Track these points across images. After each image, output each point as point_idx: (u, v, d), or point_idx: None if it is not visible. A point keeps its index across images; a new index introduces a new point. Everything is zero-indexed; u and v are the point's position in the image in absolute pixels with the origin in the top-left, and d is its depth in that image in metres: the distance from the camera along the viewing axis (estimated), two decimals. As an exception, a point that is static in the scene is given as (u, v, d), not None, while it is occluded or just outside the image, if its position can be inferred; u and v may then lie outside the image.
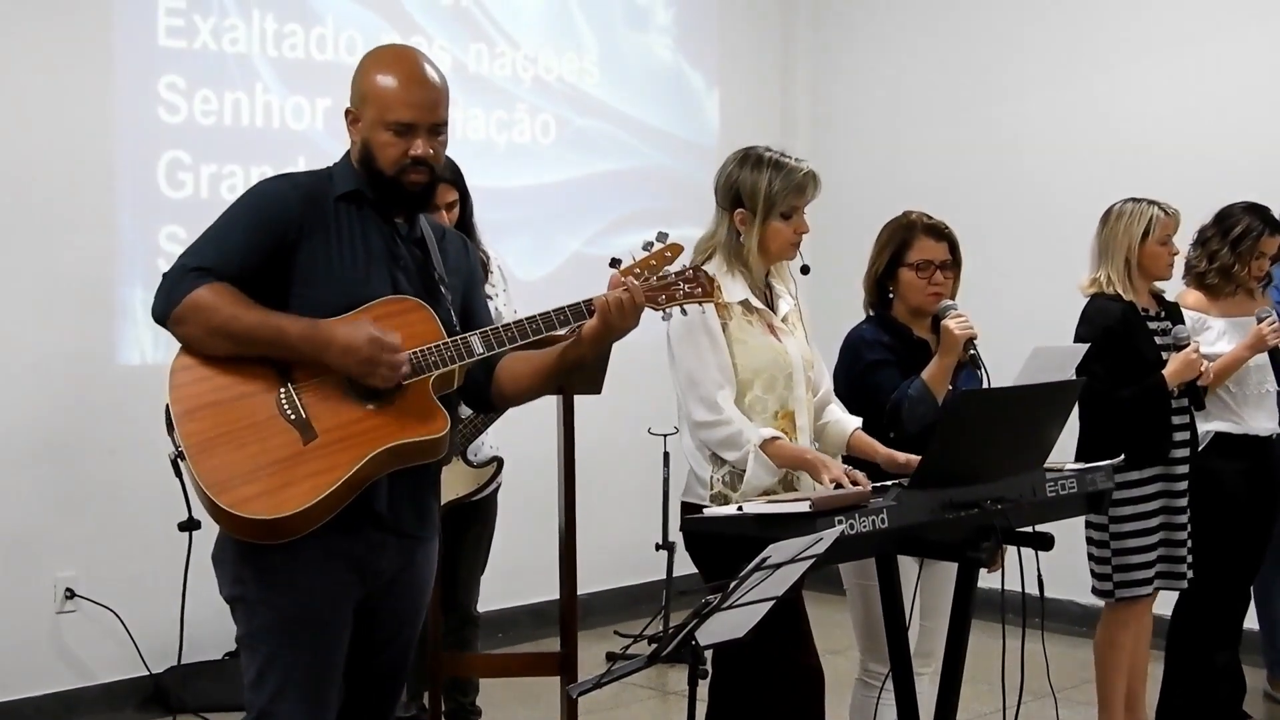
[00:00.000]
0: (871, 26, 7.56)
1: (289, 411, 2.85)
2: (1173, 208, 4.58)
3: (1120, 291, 4.52)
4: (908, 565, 3.62)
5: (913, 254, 3.97)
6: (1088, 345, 4.37)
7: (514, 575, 5.96)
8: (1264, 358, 4.84)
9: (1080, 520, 4.46)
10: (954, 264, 4.00)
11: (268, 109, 5.80)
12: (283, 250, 2.91)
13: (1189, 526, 4.61)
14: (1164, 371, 4.49)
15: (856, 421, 3.78)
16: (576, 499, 4.04)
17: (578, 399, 4.06)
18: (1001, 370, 3.93)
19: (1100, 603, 4.70)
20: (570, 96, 6.82)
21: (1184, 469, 4.60)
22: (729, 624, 2.80)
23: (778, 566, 2.74)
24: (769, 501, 3.31)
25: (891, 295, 4.03)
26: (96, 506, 5.36)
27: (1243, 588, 4.94)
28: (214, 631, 4.90)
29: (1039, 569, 3.48)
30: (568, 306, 2.97)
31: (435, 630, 4.09)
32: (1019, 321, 5.87)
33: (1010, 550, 3.66)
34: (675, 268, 3.04)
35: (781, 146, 3.71)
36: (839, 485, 3.36)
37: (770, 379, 3.58)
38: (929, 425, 3.74)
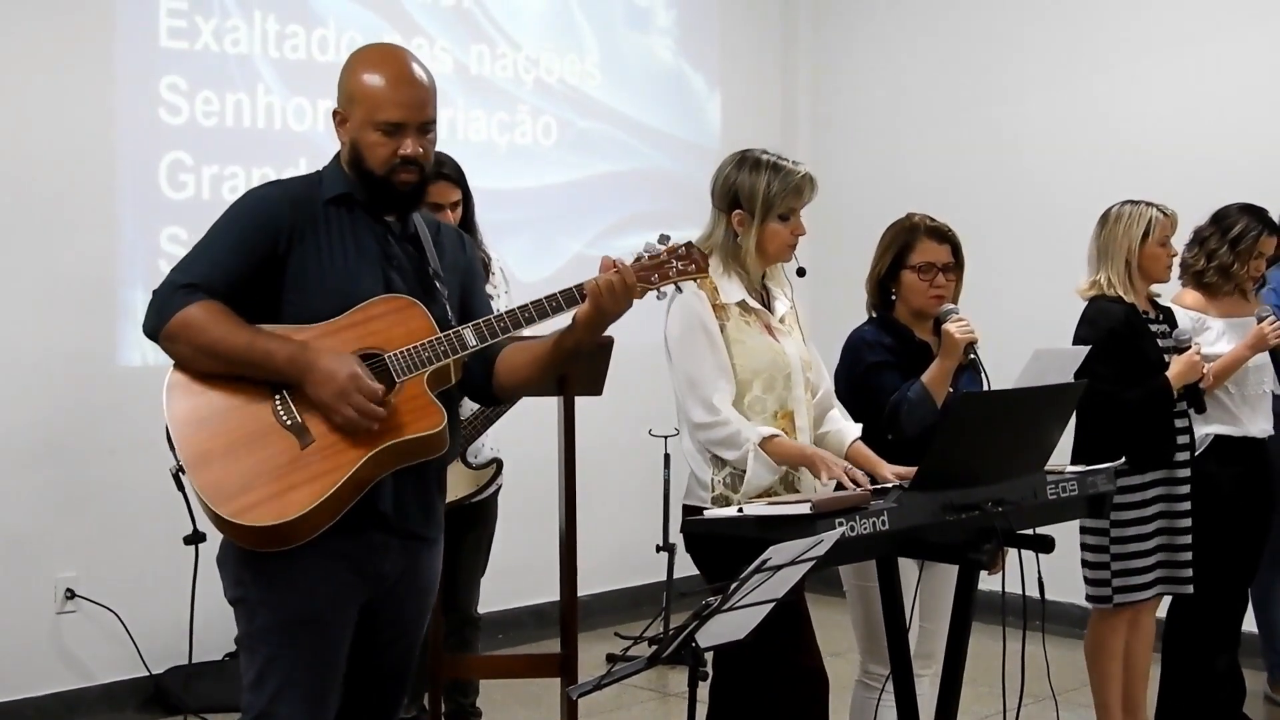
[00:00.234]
0: (872, 28, 7.56)
1: (285, 417, 2.85)
2: (1171, 209, 4.58)
3: (1121, 293, 4.52)
4: (908, 567, 3.62)
5: (915, 256, 3.97)
6: (1089, 347, 4.37)
7: (514, 576, 5.96)
8: (1263, 358, 4.84)
9: (1081, 522, 4.47)
10: (956, 267, 4.00)
11: (269, 110, 5.80)
12: (273, 259, 2.91)
13: (1190, 530, 4.61)
14: (1167, 374, 4.49)
15: (856, 430, 3.78)
16: (577, 500, 4.04)
17: (579, 400, 4.06)
18: (1001, 371, 3.93)
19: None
20: (572, 98, 6.82)
21: (1184, 472, 4.60)
22: (730, 626, 2.80)
23: (778, 568, 2.74)
24: (770, 503, 3.31)
25: (894, 297, 4.03)
26: (97, 507, 5.36)
27: (1241, 590, 4.94)
28: (214, 632, 4.92)
29: (1039, 571, 3.48)
30: (559, 293, 2.95)
31: (436, 631, 4.09)
32: (1019, 322, 5.87)
33: (1011, 552, 3.66)
34: (657, 238, 3.02)
35: (783, 148, 3.73)
36: (839, 484, 3.37)
37: (769, 379, 3.59)
38: (927, 428, 3.75)
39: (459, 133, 6.37)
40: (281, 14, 5.82)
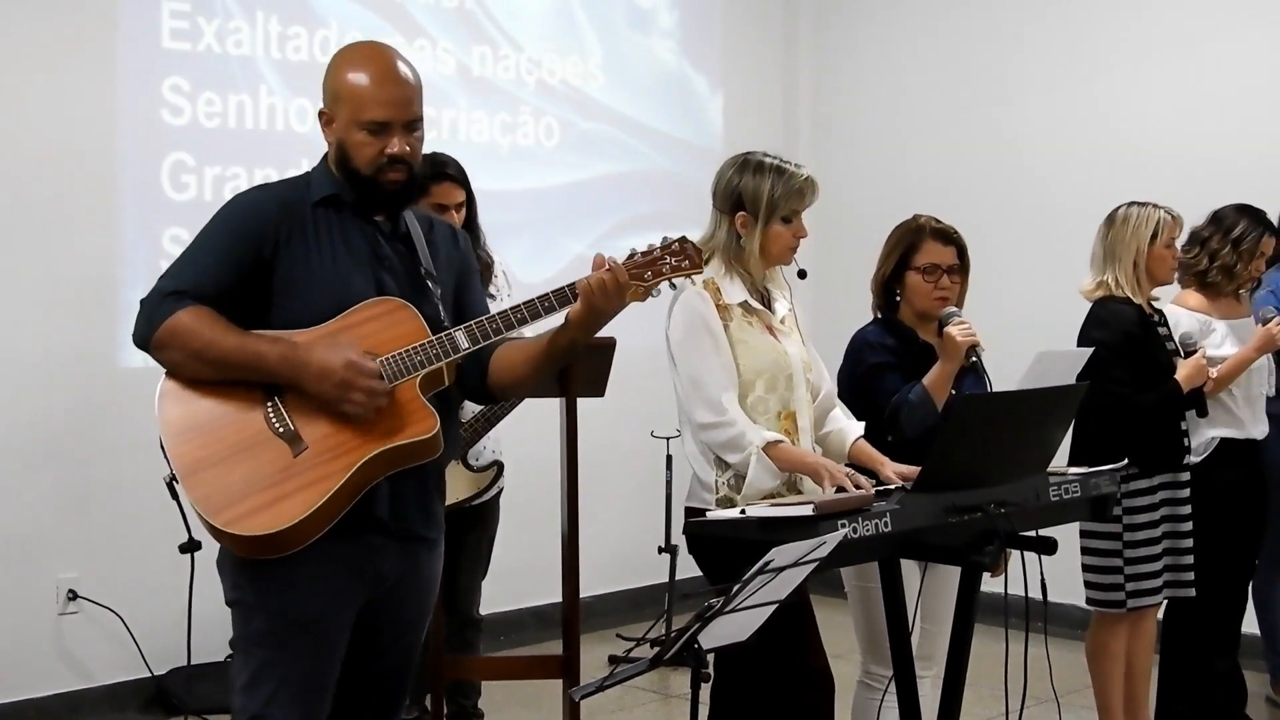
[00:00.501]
0: (873, 29, 7.57)
1: (277, 424, 2.83)
2: (1177, 211, 4.59)
3: (1130, 294, 4.52)
4: (910, 569, 3.61)
5: (920, 258, 3.97)
6: (1092, 349, 4.37)
7: (516, 578, 5.96)
8: (1263, 360, 4.85)
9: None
10: (961, 269, 4.00)
11: (271, 111, 5.80)
12: (261, 264, 2.89)
13: (1191, 533, 4.61)
14: (1177, 377, 4.49)
15: (858, 429, 3.78)
16: (579, 502, 4.03)
17: (581, 401, 4.06)
18: (1001, 372, 3.93)
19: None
20: (574, 99, 6.82)
21: (1185, 475, 4.61)
22: (732, 627, 2.80)
23: (781, 570, 2.73)
24: (772, 505, 3.31)
25: (898, 298, 4.03)
26: (98, 508, 5.36)
27: (1240, 591, 4.95)
28: (216, 633, 4.91)
29: (1042, 573, 3.47)
30: (552, 292, 2.93)
31: (438, 633, 4.09)
32: (1019, 323, 5.89)
33: (1013, 554, 3.65)
34: (659, 240, 2.98)
35: (784, 149, 3.75)
36: (841, 489, 3.37)
37: (772, 379, 3.59)
38: (927, 430, 3.75)
39: (461, 134, 6.37)
40: (284, 15, 5.83)
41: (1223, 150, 6.21)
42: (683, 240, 2.98)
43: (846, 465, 3.68)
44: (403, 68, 2.97)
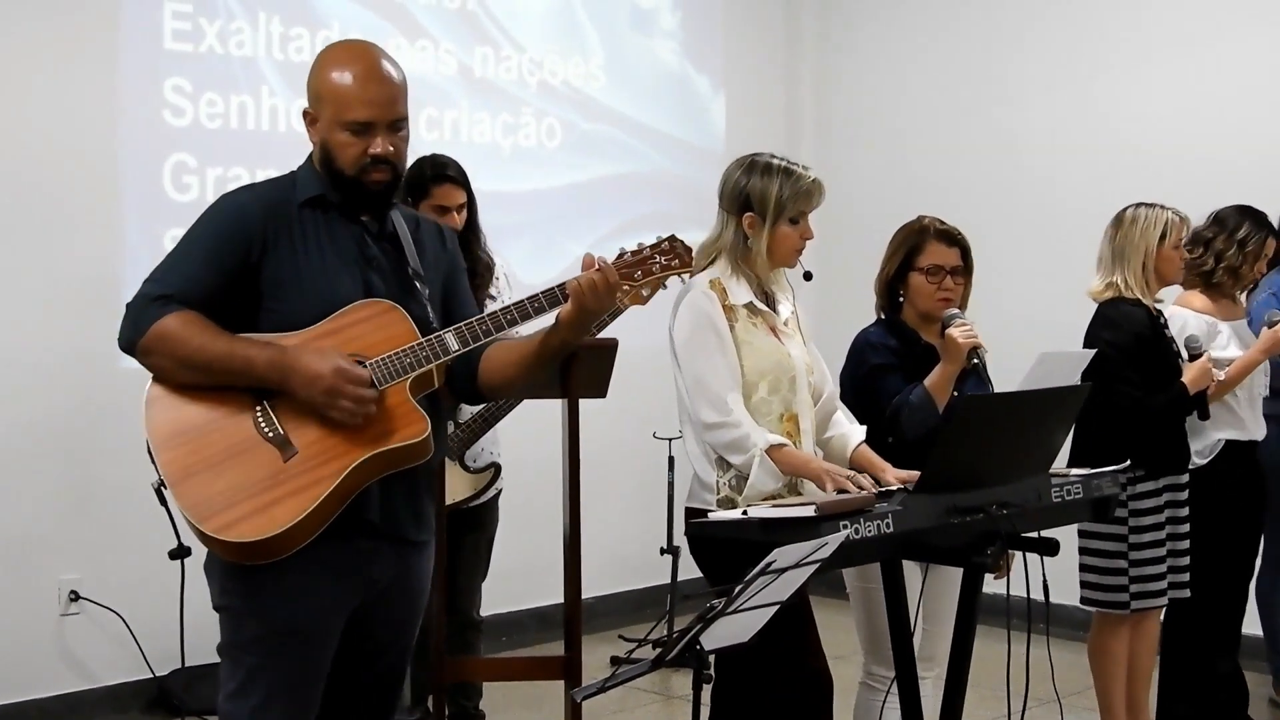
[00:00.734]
0: (875, 30, 7.57)
1: (266, 429, 2.80)
2: (1184, 212, 4.59)
3: (1139, 295, 4.52)
4: (911, 569, 3.61)
5: (924, 259, 3.97)
6: (1095, 351, 4.37)
7: (518, 579, 5.97)
8: (1265, 362, 4.86)
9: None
10: (965, 270, 4.00)
11: (273, 112, 5.80)
12: (248, 266, 2.86)
13: (1189, 535, 4.62)
14: (1183, 379, 4.49)
15: (860, 434, 3.78)
16: (581, 502, 4.03)
17: (583, 402, 4.06)
18: (1004, 373, 3.93)
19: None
20: (576, 100, 6.82)
21: (1186, 478, 4.61)
22: (734, 628, 2.80)
23: (782, 571, 2.73)
24: (774, 505, 3.30)
25: (901, 299, 4.03)
26: (100, 509, 5.36)
27: (1241, 592, 4.96)
28: (216, 634, 4.91)
29: (1044, 574, 3.47)
30: (542, 293, 2.91)
31: (440, 635, 4.08)
32: (1021, 324, 5.89)
33: (1015, 555, 3.65)
34: (650, 240, 2.96)
35: (786, 150, 3.76)
36: (843, 491, 3.36)
37: (775, 381, 3.59)
38: (928, 432, 3.74)
39: (463, 135, 6.37)
40: (286, 16, 5.83)
41: (1223, 151, 6.21)
42: (672, 239, 2.97)
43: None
44: (387, 67, 2.95)
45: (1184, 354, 4.58)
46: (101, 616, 5.36)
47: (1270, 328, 4.74)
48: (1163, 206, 4.55)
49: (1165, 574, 4.54)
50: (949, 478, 3.33)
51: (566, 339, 2.94)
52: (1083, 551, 4.54)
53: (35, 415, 5.26)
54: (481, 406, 4.53)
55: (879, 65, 7.54)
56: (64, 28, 5.30)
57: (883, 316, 4.09)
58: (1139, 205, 4.57)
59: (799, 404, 3.64)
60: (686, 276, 3.07)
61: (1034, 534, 3.46)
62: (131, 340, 2.84)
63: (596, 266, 2.89)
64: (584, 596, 4.13)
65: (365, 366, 2.84)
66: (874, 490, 3.39)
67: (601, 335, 4.33)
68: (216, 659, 5.30)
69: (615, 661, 5.71)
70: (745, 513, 3.21)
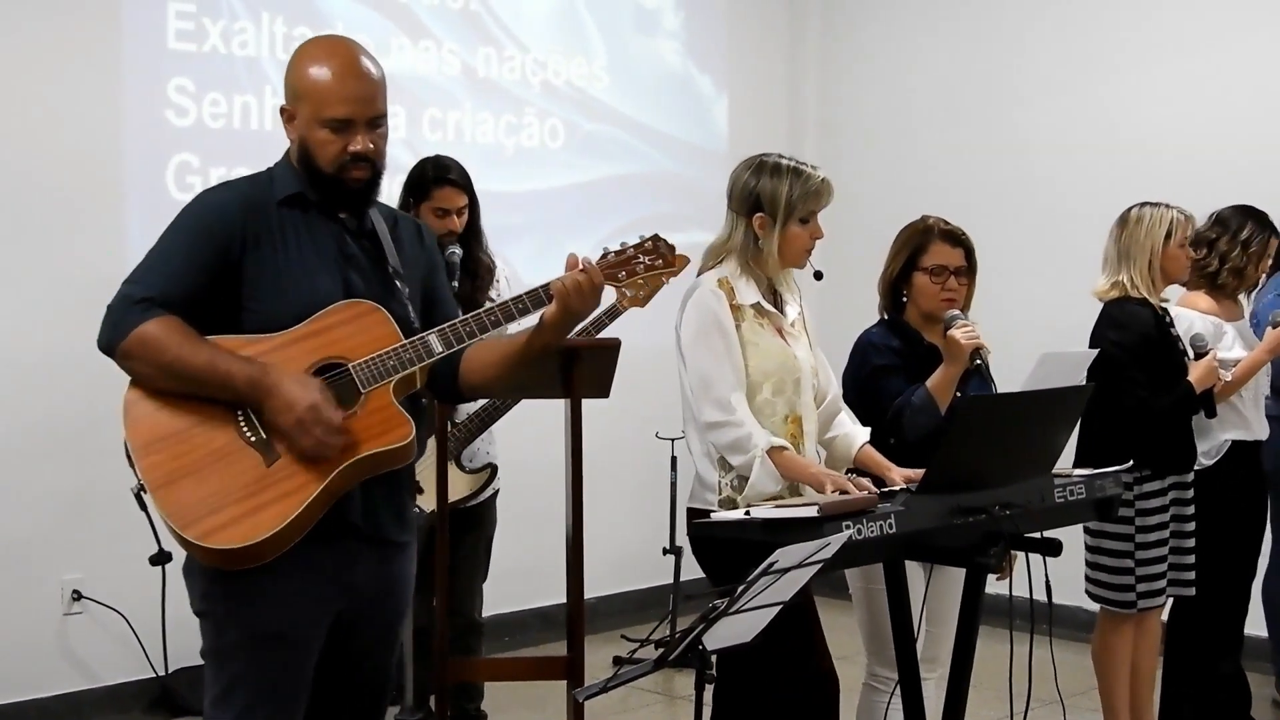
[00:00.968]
0: (879, 31, 7.56)
1: (249, 434, 2.76)
2: (1189, 211, 4.59)
3: (1145, 294, 4.52)
4: (914, 571, 3.61)
5: (928, 259, 3.97)
6: (1097, 351, 4.37)
7: (521, 579, 5.97)
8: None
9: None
10: (969, 271, 4.00)
11: (276, 112, 5.77)
12: (228, 266, 2.82)
13: (1193, 533, 4.61)
14: (1189, 379, 4.49)
15: (864, 435, 3.77)
16: (584, 503, 4.03)
17: (585, 402, 4.06)
18: (1005, 373, 3.92)
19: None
20: (579, 101, 6.82)
21: (1190, 477, 4.61)
22: (736, 629, 2.80)
23: (785, 571, 2.73)
24: (776, 506, 3.30)
25: (904, 299, 4.03)
26: (103, 509, 5.35)
27: (1244, 592, 4.96)
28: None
29: (1046, 575, 3.46)
30: (525, 294, 2.90)
31: (443, 636, 4.08)
32: (1025, 324, 5.88)
33: (1018, 556, 3.65)
34: (633, 240, 2.94)
35: (790, 151, 3.76)
36: (845, 492, 3.36)
37: (780, 383, 3.59)
38: (929, 434, 3.74)
39: (466, 135, 6.37)
40: (289, 16, 5.83)
41: (1229, 152, 6.20)
42: (655, 238, 2.95)
43: (850, 470, 3.68)
44: (365, 63, 2.91)
45: (1190, 353, 4.58)
46: (104, 616, 5.36)
47: (1275, 328, 4.74)
48: (1168, 205, 4.55)
49: (1166, 573, 4.54)
50: (952, 478, 3.33)
51: (550, 340, 2.93)
52: (1091, 550, 4.55)
53: (39, 415, 5.26)
54: (479, 407, 4.53)
55: (882, 66, 7.54)
56: (67, 28, 5.30)
57: (885, 317, 4.09)
58: (1144, 204, 4.57)
59: (803, 406, 3.63)
60: (670, 277, 3.03)
61: (1037, 535, 3.46)
62: (111, 342, 2.81)
63: (581, 267, 2.88)
64: (586, 597, 4.13)
65: (348, 370, 2.81)
66: (875, 492, 3.39)
67: (603, 335, 4.34)
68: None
69: (618, 662, 5.71)
70: (748, 513, 3.20)
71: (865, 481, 3.45)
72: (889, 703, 3.79)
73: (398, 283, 2.95)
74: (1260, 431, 4.89)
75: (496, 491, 4.73)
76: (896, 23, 7.50)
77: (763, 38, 7.65)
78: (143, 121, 5.47)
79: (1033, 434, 3.49)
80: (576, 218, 6.75)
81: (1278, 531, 5.16)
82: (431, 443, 4.36)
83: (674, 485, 6.07)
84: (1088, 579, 4.58)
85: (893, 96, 7.49)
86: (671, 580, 6.07)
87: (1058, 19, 6.90)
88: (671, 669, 2.82)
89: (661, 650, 2.77)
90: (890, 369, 3.94)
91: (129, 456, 2.78)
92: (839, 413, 3.82)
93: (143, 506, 2.81)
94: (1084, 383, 4.12)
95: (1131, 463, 3.99)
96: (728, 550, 3.21)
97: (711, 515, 3.38)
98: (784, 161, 3.62)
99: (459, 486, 4.49)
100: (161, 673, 5.40)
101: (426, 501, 4.28)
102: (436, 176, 4.59)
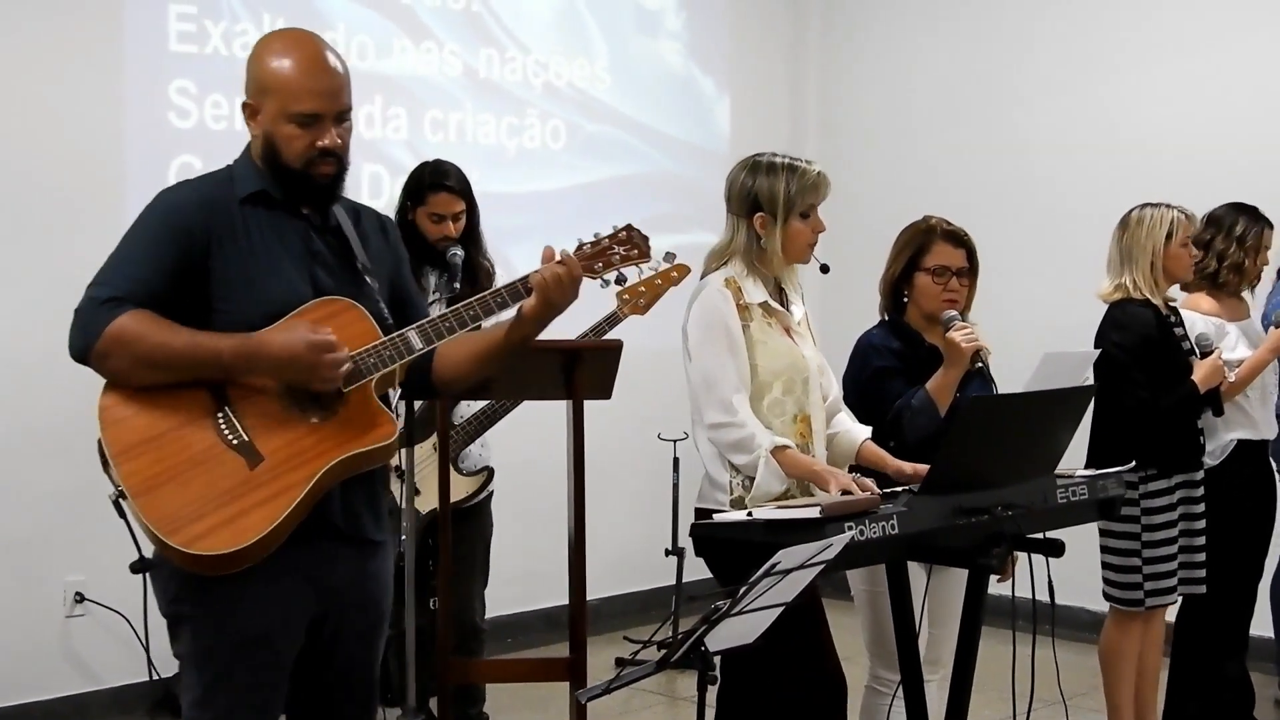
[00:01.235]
0: (880, 31, 7.57)
1: (230, 437, 2.73)
2: (1190, 210, 4.60)
3: (1147, 295, 4.52)
4: (916, 572, 3.61)
5: (930, 259, 3.97)
6: (1099, 351, 4.38)
7: (523, 580, 5.97)
8: (1274, 361, 4.86)
9: (1091, 526, 4.46)
10: (970, 272, 4.00)
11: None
12: (193, 265, 2.78)
13: (1204, 531, 4.62)
14: (1194, 378, 4.49)
15: (866, 432, 3.78)
16: (586, 504, 4.03)
17: (587, 404, 4.06)
18: (1007, 373, 3.92)
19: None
20: (581, 102, 6.82)
21: (1199, 475, 4.62)
22: (739, 630, 2.80)
23: (787, 572, 2.73)
24: (779, 507, 3.30)
25: (906, 299, 4.03)
26: (105, 511, 5.32)
27: (1250, 593, 4.96)
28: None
29: (1049, 576, 3.46)
30: (504, 288, 2.89)
31: (443, 637, 4.08)
32: (1027, 325, 5.88)
33: (1020, 557, 3.65)
34: (606, 230, 2.95)
35: (791, 152, 3.76)
36: (847, 492, 3.36)
37: (789, 381, 3.59)
38: (930, 437, 3.74)
39: (468, 136, 6.37)
40: (290, 18, 5.81)
41: (1229, 152, 6.20)
42: (629, 228, 2.96)
43: (853, 469, 3.68)
44: (331, 57, 2.87)
45: (1197, 353, 4.58)
46: (107, 618, 5.36)
47: (1278, 327, 4.75)
48: (1169, 205, 4.55)
49: (1176, 570, 4.55)
50: (954, 479, 3.33)
51: (529, 332, 2.91)
52: (1102, 549, 4.57)
53: (41, 416, 5.26)
54: (479, 408, 4.53)
55: (884, 67, 7.54)
56: (68, 30, 5.31)
57: (886, 318, 4.09)
58: (1145, 206, 4.58)
59: (811, 405, 3.64)
60: (645, 267, 3.03)
61: (1039, 535, 3.46)
62: (85, 346, 2.75)
63: (558, 259, 2.87)
64: (589, 598, 4.13)
65: None
66: (878, 493, 3.39)
67: (606, 337, 4.34)
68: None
69: (620, 663, 5.71)
70: (750, 514, 3.20)
71: (869, 482, 3.45)
72: (890, 705, 3.79)
73: (367, 279, 2.92)
74: (1268, 430, 4.89)
75: (491, 494, 4.72)
76: (897, 23, 7.50)
77: (764, 39, 7.65)
78: (144, 123, 5.48)
79: (1035, 434, 3.49)
80: (578, 219, 6.70)
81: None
82: (429, 444, 4.37)
83: (676, 486, 6.07)
84: (1103, 578, 4.59)
85: (893, 96, 7.49)
86: (674, 581, 6.07)
87: (1058, 19, 6.90)
88: (674, 670, 2.82)
89: (664, 652, 2.77)
90: (891, 371, 3.94)
91: (105, 463, 2.74)
92: (839, 412, 3.82)
93: (121, 514, 2.75)
94: (1088, 382, 4.13)
95: (1134, 463, 4.00)
96: (730, 551, 3.21)
97: (714, 516, 3.39)
98: (778, 159, 3.63)
99: (455, 489, 4.48)
100: (164, 675, 5.40)
101: (424, 504, 4.28)
102: (433, 182, 4.59)
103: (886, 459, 3.67)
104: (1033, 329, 5.70)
